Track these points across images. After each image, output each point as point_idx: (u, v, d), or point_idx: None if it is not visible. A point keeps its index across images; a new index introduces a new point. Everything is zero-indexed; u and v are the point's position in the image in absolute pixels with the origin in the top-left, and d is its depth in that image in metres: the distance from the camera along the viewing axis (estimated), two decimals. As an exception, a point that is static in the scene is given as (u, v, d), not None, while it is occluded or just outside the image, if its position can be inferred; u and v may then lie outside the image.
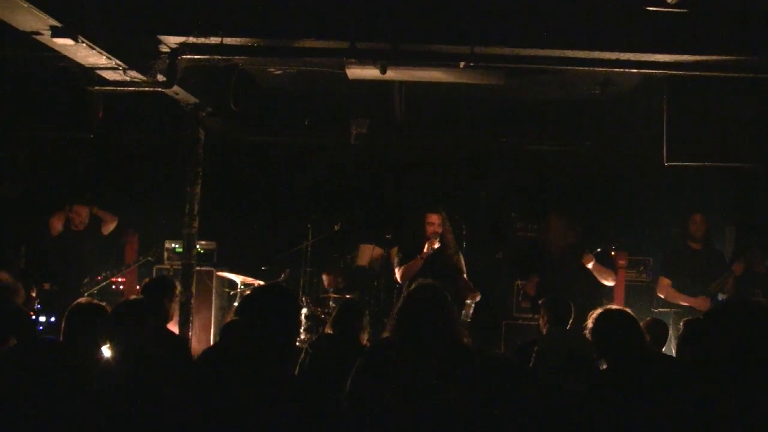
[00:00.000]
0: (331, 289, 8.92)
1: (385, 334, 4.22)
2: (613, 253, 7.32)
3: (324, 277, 9.05)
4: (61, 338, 4.78)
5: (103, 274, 8.04)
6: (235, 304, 7.57)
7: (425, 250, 7.35)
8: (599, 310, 4.14)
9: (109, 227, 8.27)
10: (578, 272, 7.18)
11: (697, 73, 6.46)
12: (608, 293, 7.58)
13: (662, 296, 7.69)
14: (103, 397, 3.78)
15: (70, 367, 4.10)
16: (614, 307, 4.21)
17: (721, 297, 7.32)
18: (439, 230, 7.54)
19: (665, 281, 7.67)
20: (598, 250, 7.15)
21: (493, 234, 9.44)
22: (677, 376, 3.96)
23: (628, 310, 4.16)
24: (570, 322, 5.77)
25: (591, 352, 4.32)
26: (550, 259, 7.47)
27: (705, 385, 3.47)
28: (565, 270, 7.23)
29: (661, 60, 6.37)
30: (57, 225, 7.97)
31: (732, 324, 3.46)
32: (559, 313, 5.80)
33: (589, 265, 7.12)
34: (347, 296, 7.89)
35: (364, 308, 5.94)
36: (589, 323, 4.14)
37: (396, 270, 7.70)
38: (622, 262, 7.34)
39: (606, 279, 7.24)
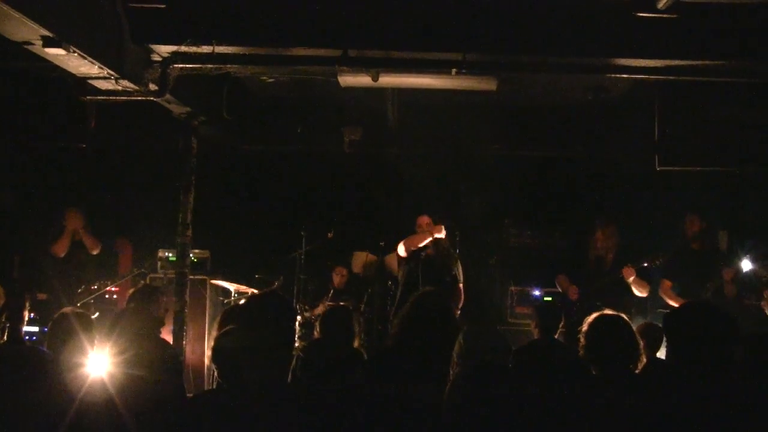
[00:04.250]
0: (337, 288, 8.96)
1: (388, 341, 4.22)
2: (654, 264, 7.31)
3: (337, 271, 9.05)
4: (45, 346, 4.80)
5: (98, 284, 8.01)
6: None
7: (431, 236, 7.45)
8: (595, 315, 4.10)
9: (94, 251, 8.22)
10: (611, 281, 7.25)
11: (688, 78, 6.48)
12: (637, 303, 7.58)
13: (663, 297, 7.71)
14: (92, 406, 3.75)
15: (54, 375, 4.10)
16: (610, 312, 4.17)
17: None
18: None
19: (666, 283, 7.66)
20: (645, 264, 7.18)
21: (487, 240, 9.45)
22: (665, 382, 3.98)
23: (623, 315, 4.13)
24: (559, 328, 5.76)
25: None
26: (586, 266, 7.52)
27: (683, 389, 3.49)
28: (600, 278, 7.31)
29: (652, 65, 6.39)
30: (60, 250, 7.95)
31: (682, 328, 3.55)
32: (547, 319, 5.80)
33: (630, 279, 7.14)
34: (341, 303, 7.86)
35: (352, 312, 5.93)
36: (584, 327, 4.09)
37: (401, 243, 7.75)
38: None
39: (641, 291, 7.29)
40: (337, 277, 9.06)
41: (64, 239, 7.96)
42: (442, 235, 7.55)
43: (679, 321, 3.62)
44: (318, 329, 5.71)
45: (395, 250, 7.99)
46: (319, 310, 8.39)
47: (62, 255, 7.95)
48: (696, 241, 7.56)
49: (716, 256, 7.59)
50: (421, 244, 7.61)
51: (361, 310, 8.47)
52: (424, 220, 7.64)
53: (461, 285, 7.71)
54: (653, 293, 7.86)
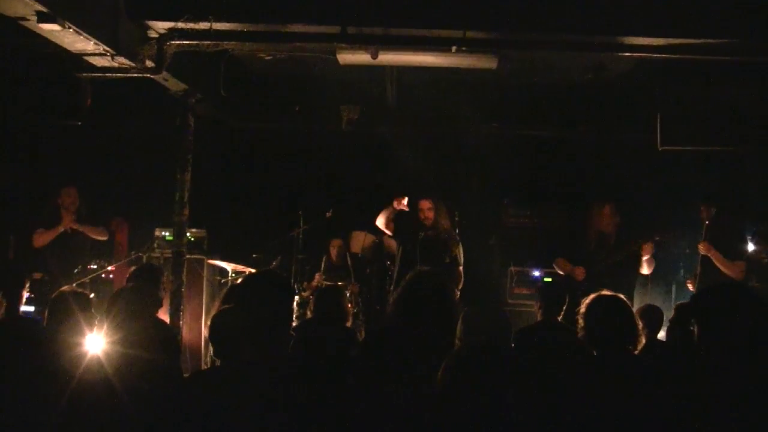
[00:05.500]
0: (334, 262, 8.94)
1: (385, 321, 4.20)
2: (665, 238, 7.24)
3: (334, 244, 9.02)
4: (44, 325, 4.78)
5: (96, 264, 7.96)
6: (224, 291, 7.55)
7: (396, 205, 7.43)
8: (592, 296, 4.07)
9: (102, 238, 8.12)
10: (616, 261, 7.15)
11: (691, 56, 6.41)
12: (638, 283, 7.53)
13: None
14: (89, 385, 3.73)
15: (52, 354, 4.10)
16: (608, 293, 4.14)
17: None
18: (431, 215, 7.50)
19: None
20: (656, 238, 7.09)
21: (486, 220, 9.42)
22: (664, 365, 4.00)
23: (621, 296, 4.09)
24: (564, 308, 5.71)
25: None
26: (590, 246, 7.39)
27: (691, 373, 3.48)
28: (605, 258, 7.21)
29: (654, 44, 6.35)
30: (39, 242, 7.84)
31: (717, 307, 3.47)
32: (551, 300, 5.76)
33: (647, 256, 7.07)
34: (339, 283, 7.85)
35: (344, 293, 5.90)
36: (582, 308, 4.07)
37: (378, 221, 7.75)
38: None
39: (649, 268, 7.22)
40: (334, 250, 9.03)
41: (48, 234, 7.77)
42: (401, 206, 7.48)
43: (708, 302, 3.57)
44: (311, 309, 5.70)
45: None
46: (315, 282, 8.37)
47: (37, 247, 7.83)
48: (708, 228, 7.41)
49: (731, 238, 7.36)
50: (388, 217, 7.60)
51: (359, 291, 8.45)
52: (426, 204, 7.55)
53: (461, 268, 7.66)
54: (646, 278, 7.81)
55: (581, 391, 3.63)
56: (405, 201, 7.43)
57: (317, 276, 8.81)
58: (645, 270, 7.23)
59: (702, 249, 7.11)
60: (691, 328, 3.66)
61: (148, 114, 8.46)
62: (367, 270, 8.80)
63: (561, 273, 7.52)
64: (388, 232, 7.80)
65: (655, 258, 7.21)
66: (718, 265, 7.03)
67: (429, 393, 3.37)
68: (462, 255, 7.69)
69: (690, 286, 7.36)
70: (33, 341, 4.51)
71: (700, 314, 3.57)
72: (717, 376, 3.33)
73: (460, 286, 7.52)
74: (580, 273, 7.26)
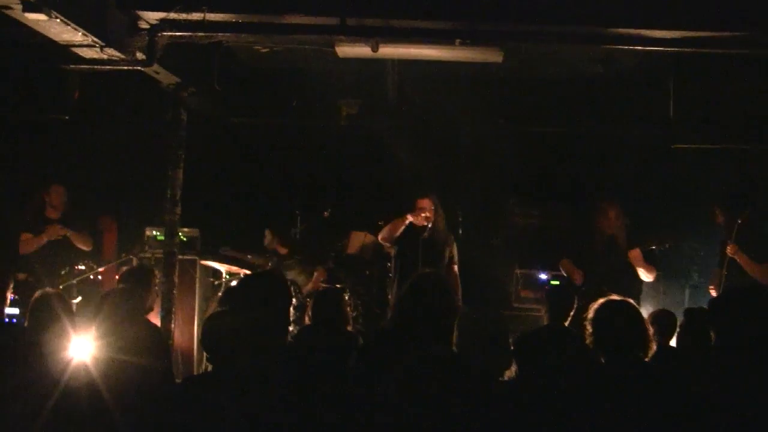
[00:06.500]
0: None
1: (386, 324, 4.16)
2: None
3: (266, 234, 8.79)
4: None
5: (84, 265, 7.78)
6: (219, 293, 7.41)
7: (413, 218, 7.21)
8: (601, 301, 4.02)
9: (86, 248, 7.90)
10: (619, 264, 6.98)
11: (706, 50, 6.34)
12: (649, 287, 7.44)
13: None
14: (75, 392, 3.71)
15: (36, 359, 4.04)
16: (616, 297, 4.09)
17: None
18: (431, 215, 7.33)
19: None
20: (653, 247, 6.96)
21: (490, 220, 9.37)
22: (676, 372, 4.06)
23: (631, 301, 4.05)
24: (571, 313, 5.63)
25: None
26: (594, 248, 7.19)
27: (704, 378, 3.50)
28: (608, 261, 7.02)
29: (668, 36, 6.27)
30: (25, 248, 7.59)
31: (735, 313, 3.47)
32: (558, 304, 5.71)
33: (637, 263, 6.93)
34: (337, 286, 7.71)
35: (342, 296, 5.76)
36: (590, 314, 4.01)
37: (379, 234, 7.54)
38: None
39: (648, 275, 7.05)
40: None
41: (35, 241, 7.52)
42: (417, 221, 7.26)
43: (725, 307, 3.58)
44: (309, 314, 5.60)
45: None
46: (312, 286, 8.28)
47: (23, 253, 7.60)
48: (739, 229, 7.07)
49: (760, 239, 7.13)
50: (398, 232, 7.36)
51: (359, 293, 8.39)
52: (425, 203, 7.37)
53: (456, 266, 7.49)
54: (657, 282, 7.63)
55: (588, 399, 3.54)
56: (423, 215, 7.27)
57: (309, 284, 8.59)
58: (644, 277, 7.08)
59: (730, 251, 6.92)
60: (709, 333, 3.66)
61: (138, 108, 8.41)
62: (366, 272, 8.66)
63: (564, 274, 7.36)
64: (387, 245, 7.58)
65: (655, 265, 7.08)
66: (745, 268, 6.85)
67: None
68: (456, 253, 7.55)
69: (713, 292, 7.17)
70: (15, 346, 4.43)
71: (717, 319, 3.58)
72: (732, 384, 3.32)
73: (460, 290, 7.35)
74: (578, 276, 7.08)
